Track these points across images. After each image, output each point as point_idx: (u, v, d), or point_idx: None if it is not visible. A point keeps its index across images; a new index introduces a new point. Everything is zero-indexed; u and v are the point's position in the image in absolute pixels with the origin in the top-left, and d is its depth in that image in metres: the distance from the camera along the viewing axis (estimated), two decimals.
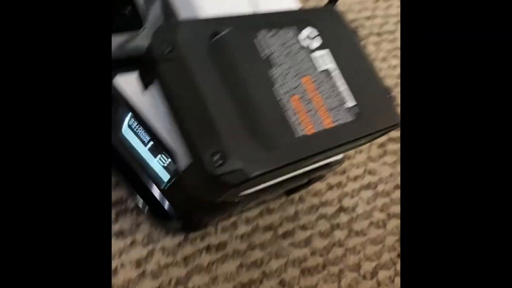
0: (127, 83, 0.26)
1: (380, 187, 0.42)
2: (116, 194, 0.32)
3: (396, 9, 0.57)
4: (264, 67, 0.24)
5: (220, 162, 0.21)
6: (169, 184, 0.27)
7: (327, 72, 0.27)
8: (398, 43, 0.54)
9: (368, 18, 0.54)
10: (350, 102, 0.26)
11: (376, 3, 0.56)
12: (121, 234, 0.31)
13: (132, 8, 0.27)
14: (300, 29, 0.27)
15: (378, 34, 0.53)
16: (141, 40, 0.27)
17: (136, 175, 0.29)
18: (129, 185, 0.31)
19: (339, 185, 0.41)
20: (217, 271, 0.33)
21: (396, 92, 0.48)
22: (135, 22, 0.27)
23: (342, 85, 0.27)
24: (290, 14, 0.28)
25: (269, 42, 0.25)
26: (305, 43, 0.27)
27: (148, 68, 0.23)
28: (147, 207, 0.31)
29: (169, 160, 0.26)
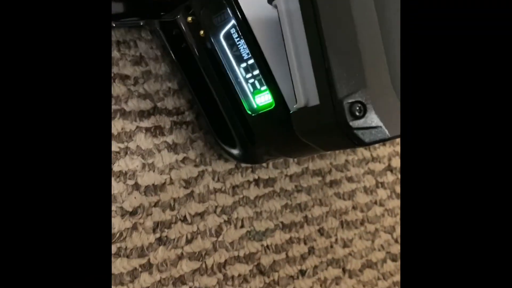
0: None
1: None
2: (175, 102, 0.28)
3: None
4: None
5: (360, 114, 0.17)
6: (257, 113, 0.23)
7: None
8: None
9: None
10: None
11: None
12: (173, 147, 0.28)
13: None
14: None
15: None
16: None
17: (210, 88, 0.26)
18: (194, 95, 0.27)
19: (392, 142, 0.38)
20: (262, 207, 0.31)
21: None
22: None
23: None
24: None
25: None
26: None
27: None
28: (209, 123, 0.27)
29: (266, 90, 0.23)
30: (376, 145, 0.37)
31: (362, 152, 0.36)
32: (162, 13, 0.26)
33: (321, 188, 0.34)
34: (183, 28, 0.25)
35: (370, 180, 0.36)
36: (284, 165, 0.32)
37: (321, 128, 0.19)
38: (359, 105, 0.17)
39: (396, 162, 0.38)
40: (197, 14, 0.24)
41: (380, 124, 0.18)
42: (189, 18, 0.25)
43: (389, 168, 0.38)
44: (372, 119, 0.18)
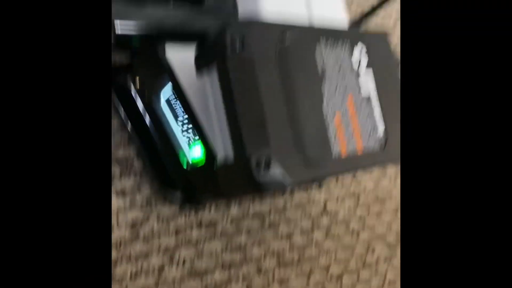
0: (176, 55, 0.26)
1: (362, 198, 0.45)
2: (125, 152, 0.32)
3: None
4: (318, 80, 0.25)
5: (264, 167, 0.21)
6: (193, 165, 0.27)
7: (367, 97, 0.27)
8: None
9: None
10: (380, 131, 0.28)
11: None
12: (122, 193, 0.31)
13: None
14: (352, 49, 0.27)
15: None
16: (201, 17, 0.26)
17: (154, 141, 0.29)
18: (140, 146, 0.31)
19: (327, 188, 0.42)
20: (204, 248, 0.34)
21: None
22: None
23: (377, 111, 0.28)
24: (346, 32, 0.28)
25: (326, 57, 0.26)
26: (355, 63, 0.27)
27: (211, 56, 0.23)
28: (153, 171, 0.31)
29: (198, 143, 0.26)
30: (312, 189, 0.41)
31: (300, 197, 0.40)
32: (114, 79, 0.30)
33: (261, 230, 0.37)
34: (131, 88, 0.29)
35: (306, 222, 0.40)
36: (226, 207, 0.36)
37: (237, 184, 0.23)
38: (264, 160, 0.21)
39: (331, 206, 0.42)
40: (141, 78, 0.28)
41: (281, 175, 0.22)
42: (136, 81, 0.29)
43: (325, 212, 0.41)
44: (276, 171, 0.22)
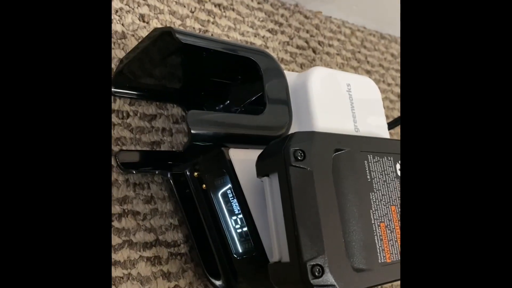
0: (238, 157, 0.29)
1: None
2: (174, 235, 0.34)
3: None
4: (367, 189, 0.27)
5: (318, 274, 0.23)
6: (241, 257, 0.29)
7: None
8: None
9: None
10: None
11: None
12: (167, 275, 0.33)
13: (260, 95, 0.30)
14: (397, 160, 0.30)
15: None
16: (261, 120, 0.29)
17: (205, 230, 0.31)
18: (190, 232, 0.33)
19: None
20: None
21: None
22: (259, 106, 0.30)
23: None
24: (391, 143, 0.31)
25: (374, 167, 0.28)
26: (399, 173, 0.30)
27: (273, 164, 0.25)
28: (199, 257, 0.33)
29: (249, 238, 0.28)
30: None
31: None
32: (173, 166, 0.33)
33: None
34: (190, 179, 0.32)
35: None
36: None
37: (289, 282, 0.24)
38: (319, 267, 0.23)
39: None
40: (201, 172, 0.31)
41: (334, 283, 0.23)
42: (195, 173, 0.31)
43: None
44: (328, 278, 0.23)
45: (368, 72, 0.56)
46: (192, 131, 0.26)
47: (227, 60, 0.32)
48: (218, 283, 0.33)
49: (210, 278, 0.33)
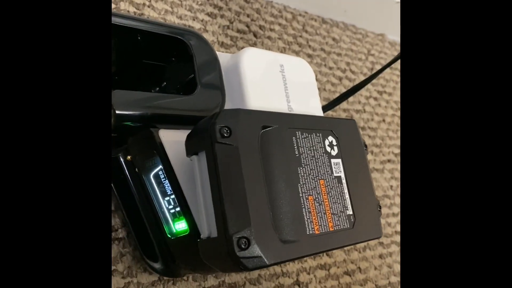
0: (169, 138, 0.28)
1: (333, 270, 0.47)
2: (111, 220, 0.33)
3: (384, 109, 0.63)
4: (295, 164, 0.28)
5: (245, 246, 0.24)
6: (175, 237, 0.29)
7: (338, 179, 0.31)
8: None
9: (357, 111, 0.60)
10: (349, 211, 0.30)
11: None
12: None
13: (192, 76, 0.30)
14: (325, 136, 0.31)
15: (363, 128, 0.59)
16: (191, 100, 0.29)
17: (140, 213, 0.31)
18: (126, 216, 0.33)
19: (300, 259, 0.44)
20: None
21: None
22: (191, 87, 0.30)
23: (346, 193, 0.31)
24: (320, 120, 0.32)
25: (302, 143, 0.29)
26: (327, 149, 0.31)
27: (200, 142, 0.26)
28: (136, 241, 0.32)
29: (183, 218, 0.29)
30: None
31: (273, 268, 0.42)
32: None
33: None
34: (123, 163, 0.31)
35: None
36: (203, 278, 0.37)
37: (217, 256, 0.25)
38: (245, 239, 0.24)
39: (303, 277, 0.44)
40: (133, 156, 0.30)
41: (261, 254, 0.24)
42: (128, 157, 0.31)
43: (297, 283, 0.43)
44: (254, 250, 0.24)
45: (309, 56, 0.57)
46: (117, 112, 0.25)
47: (157, 41, 0.31)
48: (156, 265, 0.33)
49: (148, 261, 0.33)
